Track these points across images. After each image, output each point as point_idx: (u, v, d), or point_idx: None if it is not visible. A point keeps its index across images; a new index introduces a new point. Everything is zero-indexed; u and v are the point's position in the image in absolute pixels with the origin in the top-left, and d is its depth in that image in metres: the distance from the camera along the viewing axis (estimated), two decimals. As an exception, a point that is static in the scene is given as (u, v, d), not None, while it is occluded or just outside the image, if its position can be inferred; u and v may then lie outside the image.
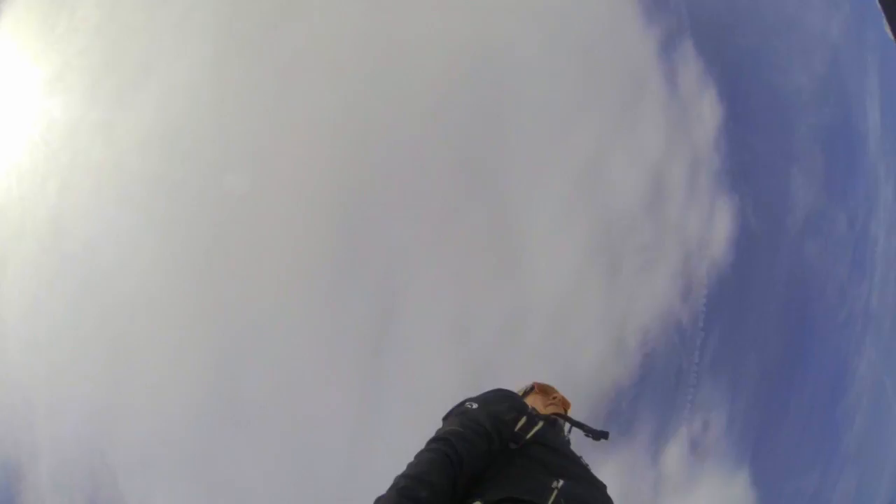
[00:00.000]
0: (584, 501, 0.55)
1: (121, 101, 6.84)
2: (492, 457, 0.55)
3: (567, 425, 0.76)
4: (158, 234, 7.56)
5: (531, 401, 0.75)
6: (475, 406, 0.58)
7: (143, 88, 6.74)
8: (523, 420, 0.61)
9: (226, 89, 6.73)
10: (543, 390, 0.77)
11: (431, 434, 0.58)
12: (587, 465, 0.68)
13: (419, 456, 0.47)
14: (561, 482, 0.53)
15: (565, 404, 0.78)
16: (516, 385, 0.81)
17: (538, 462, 0.57)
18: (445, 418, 0.60)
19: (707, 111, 9.71)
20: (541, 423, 0.62)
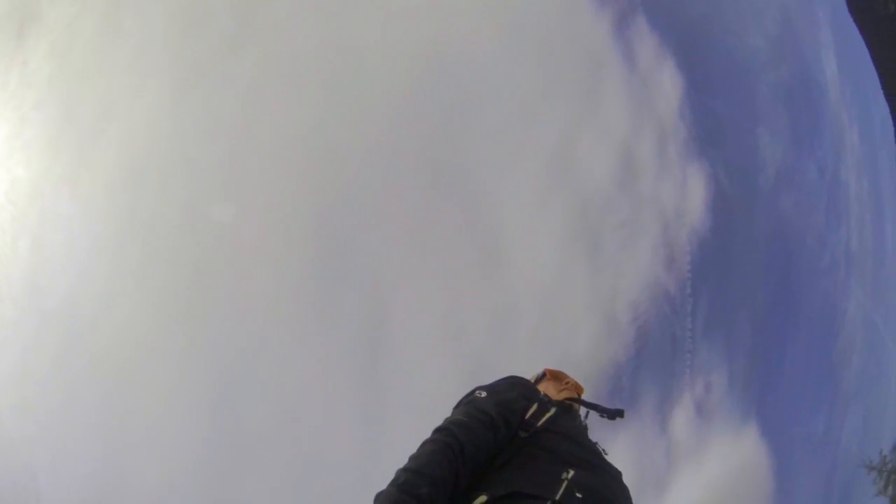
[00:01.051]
0: (596, 491, 0.53)
1: (82, 150, 6.72)
2: (498, 446, 0.54)
3: (584, 411, 0.75)
4: (137, 277, 7.43)
5: (543, 388, 0.75)
6: (484, 394, 0.57)
7: (104, 134, 6.63)
8: (534, 407, 0.60)
9: (187, 123, 6.64)
10: (555, 376, 0.77)
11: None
12: (604, 451, 0.66)
13: (421, 447, 0.47)
14: (572, 472, 0.52)
15: (578, 388, 0.78)
16: (527, 374, 0.81)
17: (549, 451, 0.56)
18: (456, 407, 0.59)
19: (668, 83, 9.83)
20: (553, 410, 0.61)
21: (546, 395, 0.63)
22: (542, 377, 0.78)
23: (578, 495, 0.51)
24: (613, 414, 0.70)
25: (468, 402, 0.56)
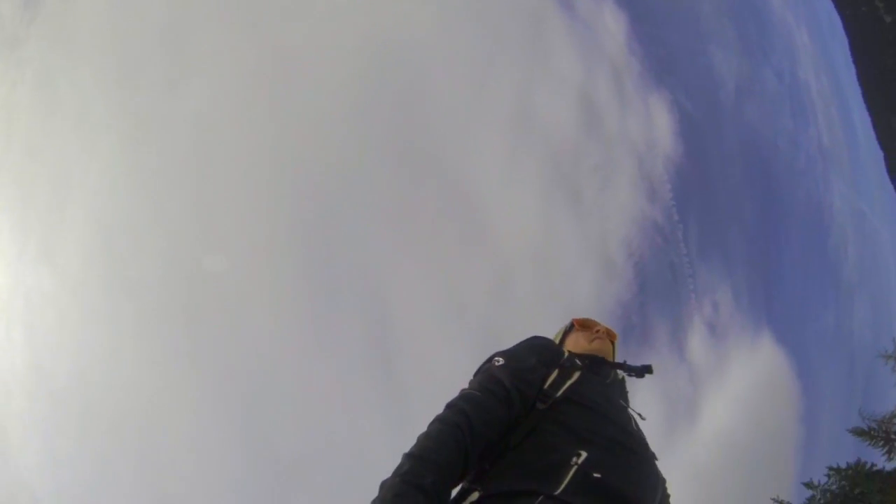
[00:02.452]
0: (617, 469, 0.51)
1: (50, 226, 6.64)
2: (513, 420, 0.52)
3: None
4: (135, 334, 7.39)
5: (573, 340, 0.70)
6: (501, 361, 0.55)
7: (66, 204, 6.55)
8: (554, 374, 0.56)
9: (145, 172, 6.57)
10: (584, 325, 0.73)
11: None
12: (640, 416, 0.63)
13: (430, 426, 0.42)
14: (584, 454, 0.50)
15: (611, 335, 0.73)
16: (551, 330, 0.77)
17: (566, 428, 0.53)
18: (475, 375, 0.56)
19: (611, 21, 9.78)
20: (577, 375, 0.57)
21: (570, 357, 0.59)
22: (570, 329, 0.73)
23: (596, 475, 0.49)
24: (641, 371, 0.62)
25: (485, 371, 0.52)
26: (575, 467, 0.48)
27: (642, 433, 0.60)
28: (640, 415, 0.63)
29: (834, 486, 5.01)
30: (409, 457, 0.43)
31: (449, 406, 0.49)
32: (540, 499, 0.46)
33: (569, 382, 0.55)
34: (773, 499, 5.53)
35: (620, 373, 0.66)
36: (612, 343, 0.73)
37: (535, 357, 0.57)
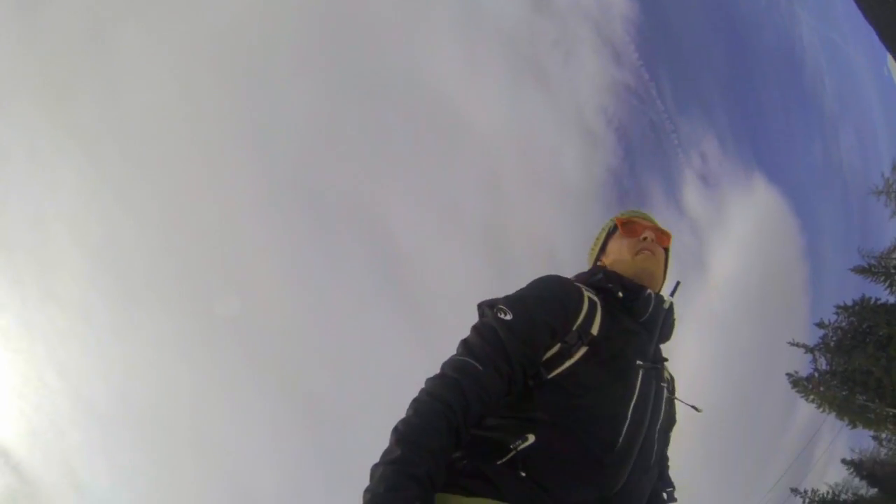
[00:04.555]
0: (554, 475, 0.43)
1: (42, 266, 6.76)
2: (512, 391, 0.45)
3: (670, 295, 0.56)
4: (147, 328, 7.77)
5: (616, 249, 0.58)
6: (509, 318, 0.45)
7: (53, 234, 6.62)
8: (556, 349, 0.46)
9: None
10: (630, 229, 0.58)
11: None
12: (669, 380, 0.54)
13: (422, 399, 0.41)
14: (531, 439, 0.42)
15: (662, 239, 0.59)
16: (593, 239, 0.64)
17: (535, 405, 0.46)
18: (478, 326, 0.47)
19: None
20: (582, 352, 0.46)
21: (583, 325, 0.48)
22: (613, 231, 0.59)
23: (522, 473, 0.43)
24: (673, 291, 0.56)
25: (489, 329, 0.46)
26: (514, 452, 0.43)
27: (667, 411, 0.51)
28: (669, 378, 0.54)
29: (843, 324, 5.56)
30: (399, 441, 0.39)
31: (443, 376, 0.43)
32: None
33: (567, 363, 0.46)
34: (789, 342, 6.14)
35: (668, 298, 0.55)
36: (667, 251, 0.61)
37: (544, 312, 0.47)
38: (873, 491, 6.23)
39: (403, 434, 0.39)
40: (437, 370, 0.44)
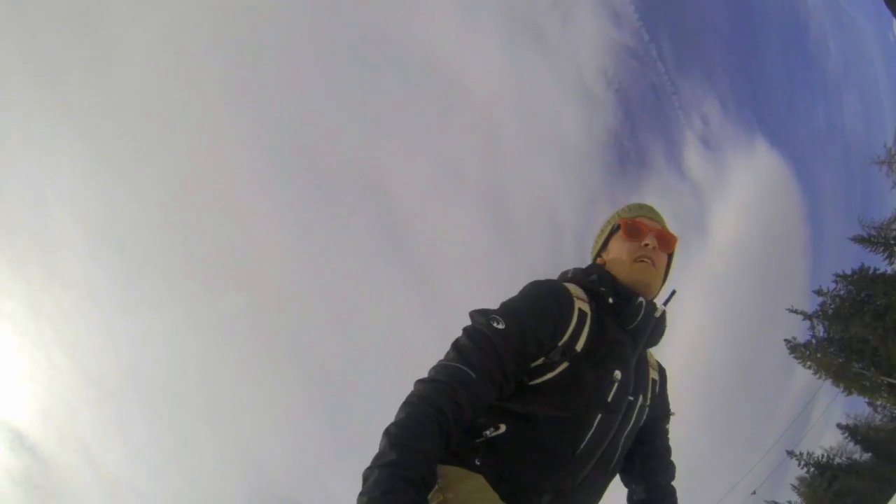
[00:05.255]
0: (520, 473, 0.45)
1: (45, 248, 6.80)
2: (502, 396, 0.46)
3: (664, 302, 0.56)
4: (151, 305, 7.83)
5: (616, 250, 0.56)
6: (501, 326, 0.46)
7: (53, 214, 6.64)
8: (539, 361, 0.47)
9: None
10: (633, 231, 0.55)
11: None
12: (654, 381, 0.54)
13: (412, 403, 0.42)
14: (503, 428, 0.45)
15: (666, 244, 0.56)
16: (595, 234, 0.62)
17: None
18: (470, 329, 0.48)
19: None
20: (563, 367, 0.47)
21: (570, 341, 0.48)
22: (615, 230, 0.57)
23: (477, 462, 0.45)
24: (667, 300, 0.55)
25: (482, 336, 0.46)
26: (484, 438, 0.44)
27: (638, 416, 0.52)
28: (654, 380, 0.54)
29: (842, 292, 5.62)
30: (393, 444, 0.39)
31: (435, 381, 0.43)
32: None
33: (547, 376, 0.47)
34: (788, 308, 6.21)
35: (660, 307, 0.54)
36: (670, 255, 0.58)
37: (534, 322, 0.47)
38: (867, 455, 6.38)
39: (397, 437, 0.39)
40: (431, 362, 0.46)
